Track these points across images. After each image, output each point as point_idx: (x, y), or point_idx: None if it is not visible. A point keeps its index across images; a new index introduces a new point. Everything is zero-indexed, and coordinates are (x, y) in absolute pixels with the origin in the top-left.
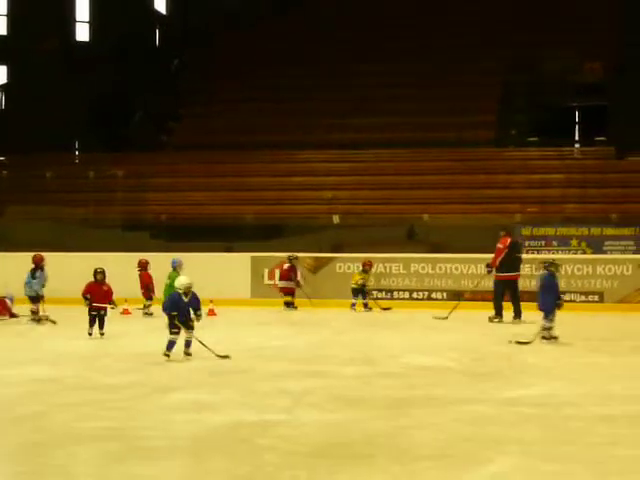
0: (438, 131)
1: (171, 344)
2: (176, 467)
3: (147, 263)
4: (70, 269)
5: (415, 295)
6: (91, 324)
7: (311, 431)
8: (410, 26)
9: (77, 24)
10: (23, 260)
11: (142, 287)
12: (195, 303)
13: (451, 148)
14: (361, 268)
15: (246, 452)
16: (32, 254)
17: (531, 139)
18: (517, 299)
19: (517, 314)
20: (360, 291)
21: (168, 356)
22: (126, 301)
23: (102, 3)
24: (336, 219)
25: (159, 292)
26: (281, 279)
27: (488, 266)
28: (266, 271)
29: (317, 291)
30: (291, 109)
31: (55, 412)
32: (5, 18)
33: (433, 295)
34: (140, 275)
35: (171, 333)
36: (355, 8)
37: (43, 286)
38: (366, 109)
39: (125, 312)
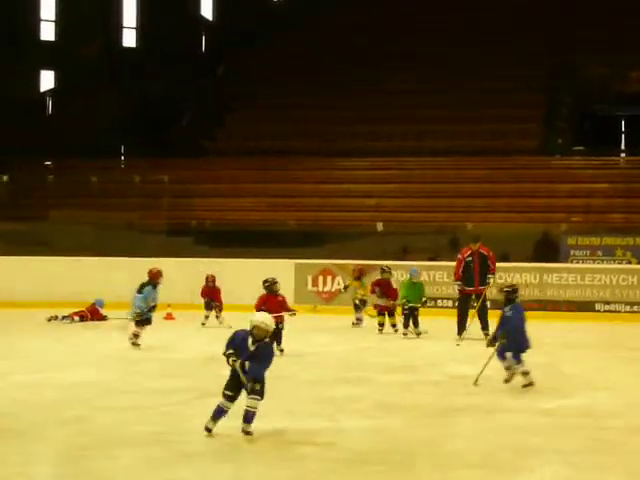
0: (482, 139)
1: (218, 413)
2: (218, 473)
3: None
4: (115, 274)
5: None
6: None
7: (353, 438)
8: (454, 33)
9: (124, 30)
10: (67, 265)
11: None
12: (256, 371)
13: (496, 156)
14: (354, 278)
15: (288, 459)
16: (78, 258)
17: (576, 148)
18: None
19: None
20: (364, 304)
21: (209, 431)
22: (169, 306)
23: (149, 9)
24: (380, 226)
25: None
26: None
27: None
28: (309, 278)
29: None
30: (336, 116)
31: (99, 416)
32: (53, 24)
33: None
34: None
35: (223, 395)
36: (406, 13)
37: (151, 307)
38: (410, 117)
39: (168, 317)
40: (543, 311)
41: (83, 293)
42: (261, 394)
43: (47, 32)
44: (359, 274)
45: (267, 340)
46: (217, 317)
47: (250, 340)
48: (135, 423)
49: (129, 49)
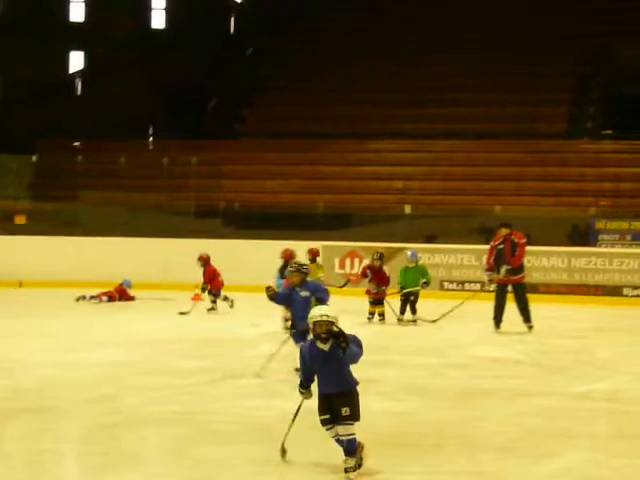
0: (511, 122)
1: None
2: (246, 453)
3: (209, 258)
4: (143, 255)
5: (486, 287)
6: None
7: (379, 420)
8: (484, 17)
9: (153, 11)
10: (95, 245)
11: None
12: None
13: (524, 139)
14: (310, 260)
15: (316, 439)
16: (106, 239)
17: (605, 132)
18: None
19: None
20: None
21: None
22: (197, 287)
23: None
24: (407, 209)
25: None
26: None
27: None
28: (337, 260)
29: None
30: (364, 99)
31: (128, 395)
32: (82, 5)
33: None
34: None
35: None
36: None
37: None
38: (439, 99)
39: (196, 298)
40: (572, 295)
41: (111, 274)
42: (354, 416)
43: (76, 13)
44: (313, 256)
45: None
46: (213, 302)
47: (318, 343)
48: (164, 403)
49: (158, 30)
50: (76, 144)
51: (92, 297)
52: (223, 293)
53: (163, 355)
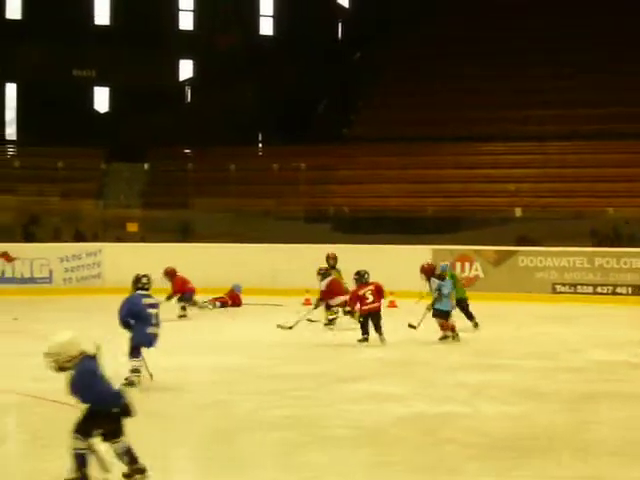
0: (623, 123)
1: None
2: (357, 457)
3: (174, 270)
4: (252, 261)
5: (599, 290)
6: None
7: (492, 424)
8: (592, 17)
9: (261, 18)
10: (206, 251)
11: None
12: None
13: (636, 140)
14: (330, 267)
15: (428, 443)
16: (218, 245)
17: None
18: None
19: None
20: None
21: None
22: (307, 292)
23: None
24: (518, 212)
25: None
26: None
27: None
28: (448, 264)
29: (498, 284)
30: (474, 101)
31: (239, 400)
32: (191, 14)
33: (618, 290)
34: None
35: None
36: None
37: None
38: (551, 100)
39: (307, 302)
40: None
41: (221, 279)
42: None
43: (186, 22)
44: (334, 262)
45: None
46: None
47: None
48: (273, 407)
49: (266, 37)
50: (187, 152)
51: (204, 302)
52: (194, 298)
53: (271, 360)
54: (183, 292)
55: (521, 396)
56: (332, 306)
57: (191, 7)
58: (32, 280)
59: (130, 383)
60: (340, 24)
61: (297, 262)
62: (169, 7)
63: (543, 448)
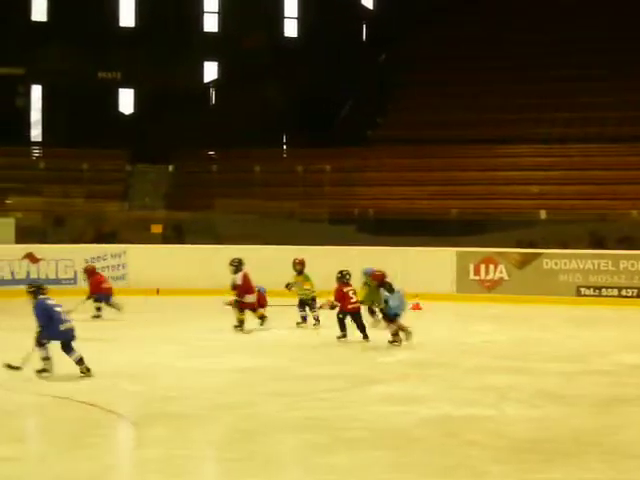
0: None
1: None
2: (381, 459)
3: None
4: (277, 262)
5: (624, 292)
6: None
7: (517, 427)
8: (617, 17)
9: (285, 20)
10: (231, 253)
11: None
12: None
13: None
14: (297, 272)
15: (452, 446)
16: (242, 247)
17: None
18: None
19: None
20: (310, 301)
21: None
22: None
23: (310, 0)
24: (543, 214)
25: None
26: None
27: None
28: (471, 266)
29: (522, 287)
30: (498, 103)
31: (261, 401)
32: (216, 15)
33: None
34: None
35: None
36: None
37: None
38: (575, 103)
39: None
40: None
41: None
42: None
43: (210, 23)
44: (301, 267)
45: None
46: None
47: None
48: (296, 409)
49: (291, 39)
50: (211, 153)
51: (228, 303)
52: (113, 299)
53: (293, 361)
54: (99, 292)
55: (546, 399)
56: (244, 304)
57: (216, 9)
58: (57, 281)
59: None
60: (365, 25)
61: (322, 264)
62: (194, 9)
63: (568, 451)
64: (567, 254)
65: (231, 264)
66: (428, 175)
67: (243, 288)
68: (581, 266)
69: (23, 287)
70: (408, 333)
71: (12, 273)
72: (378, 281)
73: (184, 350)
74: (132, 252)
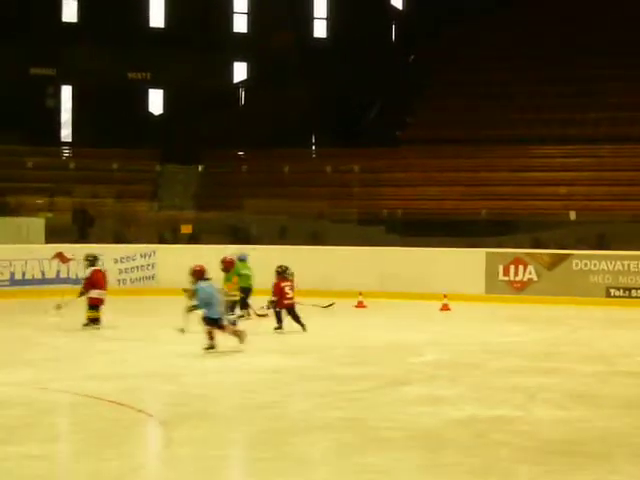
0: None
1: None
2: (411, 459)
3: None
4: (305, 263)
5: None
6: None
7: (546, 428)
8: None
9: (314, 21)
10: (259, 253)
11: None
12: None
13: None
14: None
15: (481, 446)
16: (270, 247)
17: None
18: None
19: None
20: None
21: None
22: (360, 294)
23: (340, 0)
24: (572, 215)
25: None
26: None
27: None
28: (501, 267)
29: (552, 288)
30: (526, 104)
31: (292, 401)
32: (245, 17)
33: None
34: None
35: None
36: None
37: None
38: (605, 103)
39: (360, 305)
40: None
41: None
42: None
43: (240, 24)
44: (228, 266)
45: None
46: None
47: None
48: (328, 409)
49: (320, 39)
50: (240, 154)
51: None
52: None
53: (323, 361)
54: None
55: (576, 400)
56: (92, 300)
57: (245, 9)
58: None
59: None
60: (394, 25)
61: (351, 264)
62: (223, 10)
63: (597, 453)
64: (597, 255)
65: (86, 259)
66: (457, 175)
67: (90, 282)
68: (611, 267)
69: (53, 287)
70: (242, 337)
71: (42, 272)
72: (197, 277)
73: (213, 350)
74: (162, 252)
